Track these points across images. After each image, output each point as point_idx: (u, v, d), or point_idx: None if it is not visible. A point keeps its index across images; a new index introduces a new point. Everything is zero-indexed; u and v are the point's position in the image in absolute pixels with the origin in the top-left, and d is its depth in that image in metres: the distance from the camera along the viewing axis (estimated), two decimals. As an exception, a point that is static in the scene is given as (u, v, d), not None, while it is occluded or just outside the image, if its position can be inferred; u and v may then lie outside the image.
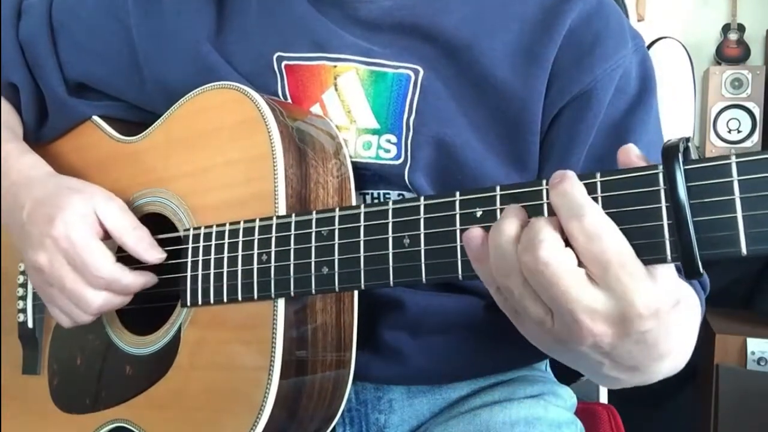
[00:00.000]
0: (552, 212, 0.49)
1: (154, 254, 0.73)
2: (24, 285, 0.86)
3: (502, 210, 0.52)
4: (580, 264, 0.47)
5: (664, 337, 0.50)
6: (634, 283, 0.46)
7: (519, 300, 0.50)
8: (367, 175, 0.75)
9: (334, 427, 0.75)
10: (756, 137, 2.37)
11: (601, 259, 0.46)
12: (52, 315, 0.77)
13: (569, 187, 0.47)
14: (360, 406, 0.79)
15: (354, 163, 0.74)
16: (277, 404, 0.63)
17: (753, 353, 1.82)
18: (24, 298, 0.85)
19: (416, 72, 0.75)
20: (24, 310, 0.85)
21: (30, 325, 0.84)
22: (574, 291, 0.46)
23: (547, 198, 0.49)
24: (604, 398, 1.22)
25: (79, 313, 0.73)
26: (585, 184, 0.48)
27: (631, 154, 0.49)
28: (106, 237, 0.73)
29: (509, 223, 0.49)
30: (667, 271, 0.48)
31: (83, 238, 0.71)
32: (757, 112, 2.37)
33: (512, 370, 0.83)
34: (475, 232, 0.51)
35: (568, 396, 0.87)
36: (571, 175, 0.48)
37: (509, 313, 0.53)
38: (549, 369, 0.92)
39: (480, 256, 0.51)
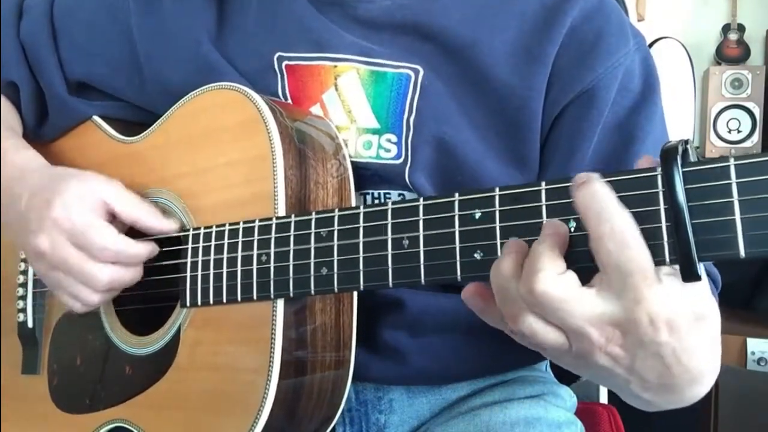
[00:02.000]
0: (553, 214, 0.49)
1: (167, 224, 0.73)
2: (24, 285, 0.86)
3: (501, 211, 0.52)
4: (586, 274, 0.47)
5: (689, 354, 0.49)
6: (650, 293, 0.45)
7: (534, 334, 0.49)
8: (367, 175, 0.75)
9: (334, 427, 0.75)
10: (756, 137, 2.37)
11: (626, 267, 0.45)
12: (62, 301, 0.76)
13: (600, 188, 0.46)
14: (360, 406, 0.79)
15: (354, 163, 0.74)
16: (276, 404, 0.63)
17: (753, 353, 1.82)
18: (24, 297, 0.85)
19: (416, 72, 0.75)
20: (24, 310, 0.85)
21: (30, 324, 0.84)
22: (578, 310, 0.47)
23: (547, 200, 0.50)
24: (604, 398, 1.22)
25: (88, 293, 0.72)
26: None
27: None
28: (111, 219, 0.73)
29: (506, 261, 0.49)
30: (688, 288, 0.47)
31: (84, 216, 0.71)
32: (757, 112, 2.37)
33: (512, 371, 0.83)
34: (470, 289, 0.53)
35: (568, 396, 0.87)
36: (598, 177, 0.47)
37: (529, 347, 0.52)
38: (549, 369, 0.92)
39: (483, 309, 0.53)
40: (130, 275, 0.73)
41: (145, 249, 0.73)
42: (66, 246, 0.71)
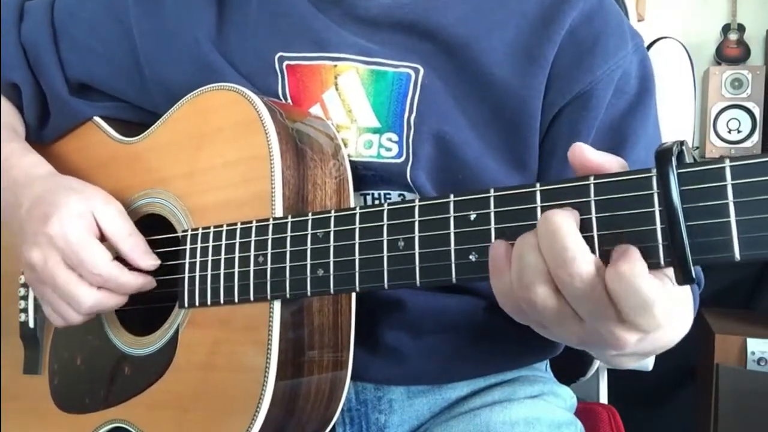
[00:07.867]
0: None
1: (148, 260, 0.73)
2: (25, 285, 0.86)
3: (496, 213, 0.51)
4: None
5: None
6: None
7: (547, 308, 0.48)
8: (368, 176, 0.75)
9: (334, 427, 0.75)
10: (756, 137, 2.37)
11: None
12: (45, 314, 0.77)
13: (636, 278, 0.44)
14: (360, 406, 0.79)
15: (356, 163, 0.74)
16: (274, 405, 0.64)
17: (753, 353, 1.82)
18: (26, 297, 0.86)
19: (416, 71, 0.75)
20: (25, 310, 0.85)
21: (31, 324, 0.85)
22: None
23: (542, 201, 0.49)
24: (604, 398, 1.22)
25: (71, 313, 0.72)
26: (578, 187, 0.48)
27: (585, 153, 0.49)
28: (102, 239, 0.73)
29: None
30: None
31: (80, 236, 0.70)
32: (757, 112, 2.37)
33: (512, 371, 0.83)
34: (499, 246, 0.50)
35: (568, 396, 0.87)
36: (641, 271, 0.44)
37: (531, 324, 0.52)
38: (549, 369, 0.92)
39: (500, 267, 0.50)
40: (115, 301, 0.73)
41: (135, 281, 0.72)
42: (57, 264, 0.71)
